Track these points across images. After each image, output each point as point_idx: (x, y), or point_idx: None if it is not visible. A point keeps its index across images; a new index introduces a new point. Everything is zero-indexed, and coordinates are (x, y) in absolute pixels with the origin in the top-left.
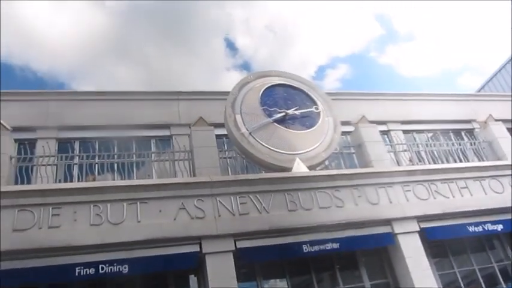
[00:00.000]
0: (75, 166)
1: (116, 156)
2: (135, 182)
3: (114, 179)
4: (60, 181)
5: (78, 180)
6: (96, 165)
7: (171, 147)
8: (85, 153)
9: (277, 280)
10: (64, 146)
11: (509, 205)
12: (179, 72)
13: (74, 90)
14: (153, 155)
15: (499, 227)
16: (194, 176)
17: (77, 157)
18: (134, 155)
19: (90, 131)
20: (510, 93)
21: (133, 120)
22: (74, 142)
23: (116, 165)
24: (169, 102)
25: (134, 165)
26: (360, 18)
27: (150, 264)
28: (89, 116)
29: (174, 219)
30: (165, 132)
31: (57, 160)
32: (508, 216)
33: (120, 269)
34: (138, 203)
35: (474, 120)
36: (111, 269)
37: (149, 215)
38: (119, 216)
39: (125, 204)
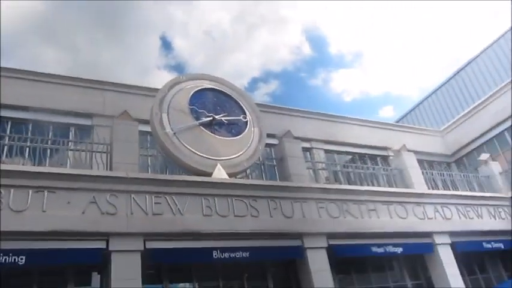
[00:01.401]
0: None
1: (28, 139)
2: (43, 168)
3: (24, 164)
4: None
5: None
6: (5, 147)
7: (91, 138)
8: None
9: (185, 284)
10: None
11: (411, 230)
12: (107, 64)
13: None
14: (70, 143)
15: (399, 250)
16: (111, 170)
17: None
18: (49, 141)
19: (4, 110)
20: (424, 127)
21: (53, 104)
22: None
23: (27, 149)
24: (94, 91)
25: (48, 151)
26: (294, 37)
27: (49, 257)
28: (5, 94)
29: (83, 212)
30: (86, 122)
31: None
32: (408, 241)
33: (16, 260)
34: (46, 192)
35: (389, 148)
36: (5, 259)
37: (56, 205)
38: (21, 204)
39: (30, 191)
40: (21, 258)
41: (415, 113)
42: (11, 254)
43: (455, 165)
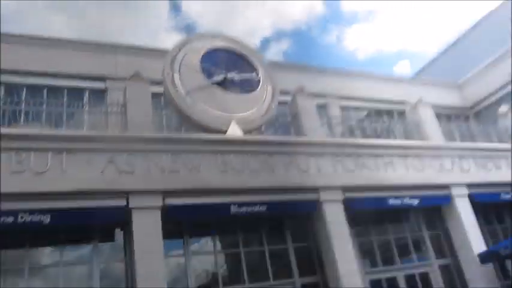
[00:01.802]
0: None
1: (44, 104)
2: (61, 132)
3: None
4: None
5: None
6: (22, 113)
7: (106, 101)
8: (11, 98)
9: (204, 239)
10: None
11: (428, 182)
12: (116, 29)
13: (4, 33)
14: (85, 106)
15: (416, 202)
16: (126, 130)
17: (0, 102)
18: (64, 105)
19: (18, 76)
20: (443, 80)
21: (66, 69)
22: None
23: (43, 114)
24: (106, 54)
25: (64, 115)
26: None
27: (73, 216)
28: (18, 60)
29: (102, 172)
30: (99, 85)
31: None
32: (425, 193)
33: (41, 219)
34: (65, 154)
35: (406, 102)
36: (31, 219)
37: (75, 166)
38: (42, 166)
39: (50, 153)
40: (46, 218)
41: (432, 68)
42: (36, 214)
43: (474, 118)
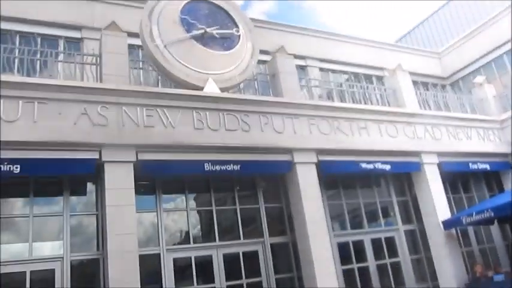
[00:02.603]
0: None
1: (15, 51)
2: (32, 79)
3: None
4: None
5: None
6: None
7: (81, 51)
8: None
9: (177, 196)
10: None
11: (400, 149)
12: None
13: None
14: (59, 55)
15: (387, 167)
16: (101, 82)
17: None
18: (39, 53)
19: None
20: (422, 48)
21: (39, 15)
22: None
23: (16, 61)
24: (82, 2)
25: (37, 64)
26: None
27: (43, 166)
28: None
29: (75, 123)
30: (75, 34)
31: None
32: (396, 159)
33: (11, 169)
34: (36, 103)
35: (385, 68)
36: (0, 168)
37: (47, 116)
38: (12, 114)
39: (20, 102)
40: (16, 167)
41: (413, 35)
42: (6, 163)
43: (451, 88)
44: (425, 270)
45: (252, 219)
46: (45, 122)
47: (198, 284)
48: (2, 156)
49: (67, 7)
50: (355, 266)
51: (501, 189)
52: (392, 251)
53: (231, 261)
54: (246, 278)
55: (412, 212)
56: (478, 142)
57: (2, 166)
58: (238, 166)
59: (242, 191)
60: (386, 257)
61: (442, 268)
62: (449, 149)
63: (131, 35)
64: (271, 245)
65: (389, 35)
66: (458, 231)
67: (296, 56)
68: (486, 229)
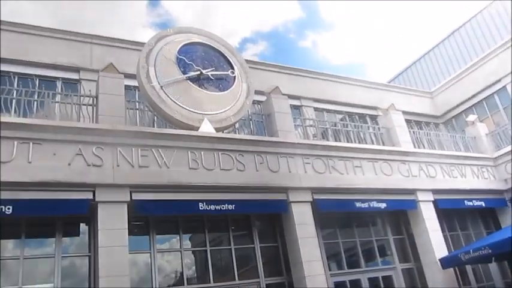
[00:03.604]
0: None
1: (13, 92)
2: (28, 120)
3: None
4: None
5: None
6: None
7: (78, 92)
8: None
9: (171, 236)
10: None
11: (395, 187)
12: (91, 21)
13: None
14: (56, 96)
15: (383, 206)
16: (97, 123)
17: None
18: (36, 94)
19: None
20: (414, 88)
21: (38, 57)
22: None
23: (13, 101)
24: (81, 44)
25: (34, 104)
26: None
27: (36, 207)
28: None
29: (69, 164)
30: (73, 75)
31: None
32: (392, 197)
33: (3, 210)
34: (31, 143)
35: (379, 108)
36: None
37: (42, 156)
38: (7, 155)
39: (15, 142)
40: (8, 208)
41: (406, 75)
42: None
43: (444, 126)
44: None
45: (248, 259)
46: (39, 162)
47: None
48: None
49: (66, 49)
50: None
51: (498, 226)
52: None
53: None
54: None
55: (409, 250)
56: (472, 179)
57: None
58: (233, 206)
59: (237, 230)
60: None
61: None
62: (444, 186)
63: (128, 76)
64: (267, 285)
65: (383, 75)
66: (457, 269)
67: (290, 96)
68: (485, 268)
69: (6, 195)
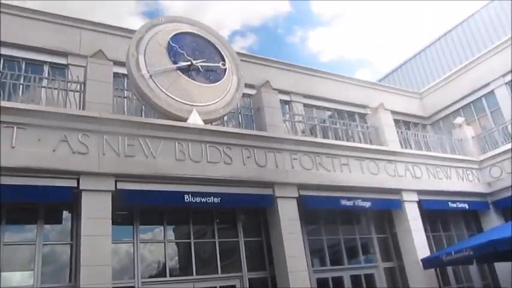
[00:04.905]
0: None
1: None
2: (12, 104)
3: None
4: None
5: None
6: None
7: (66, 77)
8: None
9: (155, 227)
10: None
11: (381, 186)
12: (78, 8)
13: None
14: (43, 80)
15: (368, 204)
16: (83, 109)
17: None
18: (22, 77)
19: None
20: (404, 88)
21: (26, 40)
22: None
23: None
24: (70, 29)
25: (20, 88)
26: None
27: (19, 192)
28: None
29: (54, 150)
30: (61, 60)
31: None
32: (377, 196)
33: None
34: (15, 128)
35: (368, 106)
36: None
37: (26, 142)
38: None
39: None
40: None
41: (396, 75)
42: None
43: (431, 128)
44: None
45: (231, 252)
46: (23, 148)
47: None
48: None
49: (55, 33)
50: None
51: (480, 229)
52: None
53: None
54: None
55: (392, 249)
56: (457, 181)
57: None
58: (219, 199)
59: (222, 223)
60: None
61: None
62: (429, 187)
63: (117, 63)
64: (249, 279)
65: (373, 74)
66: (438, 270)
67: (281, 91)
68: (465, 269)
69: None
